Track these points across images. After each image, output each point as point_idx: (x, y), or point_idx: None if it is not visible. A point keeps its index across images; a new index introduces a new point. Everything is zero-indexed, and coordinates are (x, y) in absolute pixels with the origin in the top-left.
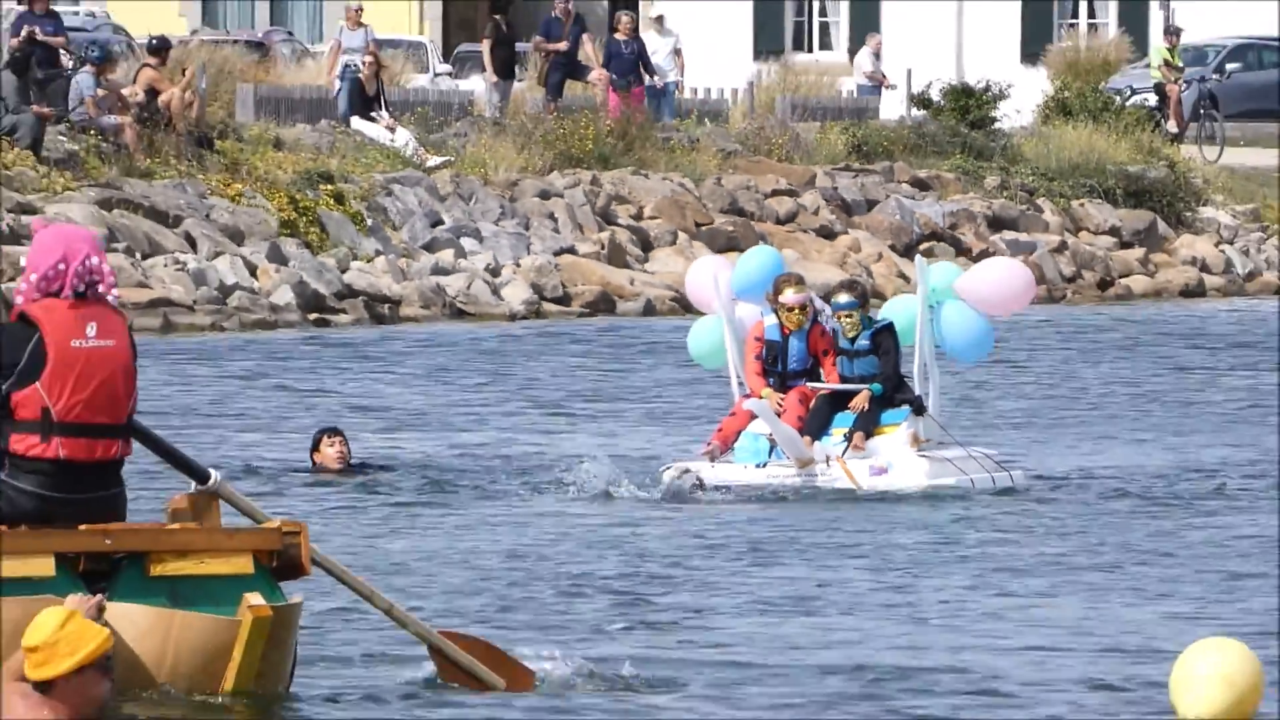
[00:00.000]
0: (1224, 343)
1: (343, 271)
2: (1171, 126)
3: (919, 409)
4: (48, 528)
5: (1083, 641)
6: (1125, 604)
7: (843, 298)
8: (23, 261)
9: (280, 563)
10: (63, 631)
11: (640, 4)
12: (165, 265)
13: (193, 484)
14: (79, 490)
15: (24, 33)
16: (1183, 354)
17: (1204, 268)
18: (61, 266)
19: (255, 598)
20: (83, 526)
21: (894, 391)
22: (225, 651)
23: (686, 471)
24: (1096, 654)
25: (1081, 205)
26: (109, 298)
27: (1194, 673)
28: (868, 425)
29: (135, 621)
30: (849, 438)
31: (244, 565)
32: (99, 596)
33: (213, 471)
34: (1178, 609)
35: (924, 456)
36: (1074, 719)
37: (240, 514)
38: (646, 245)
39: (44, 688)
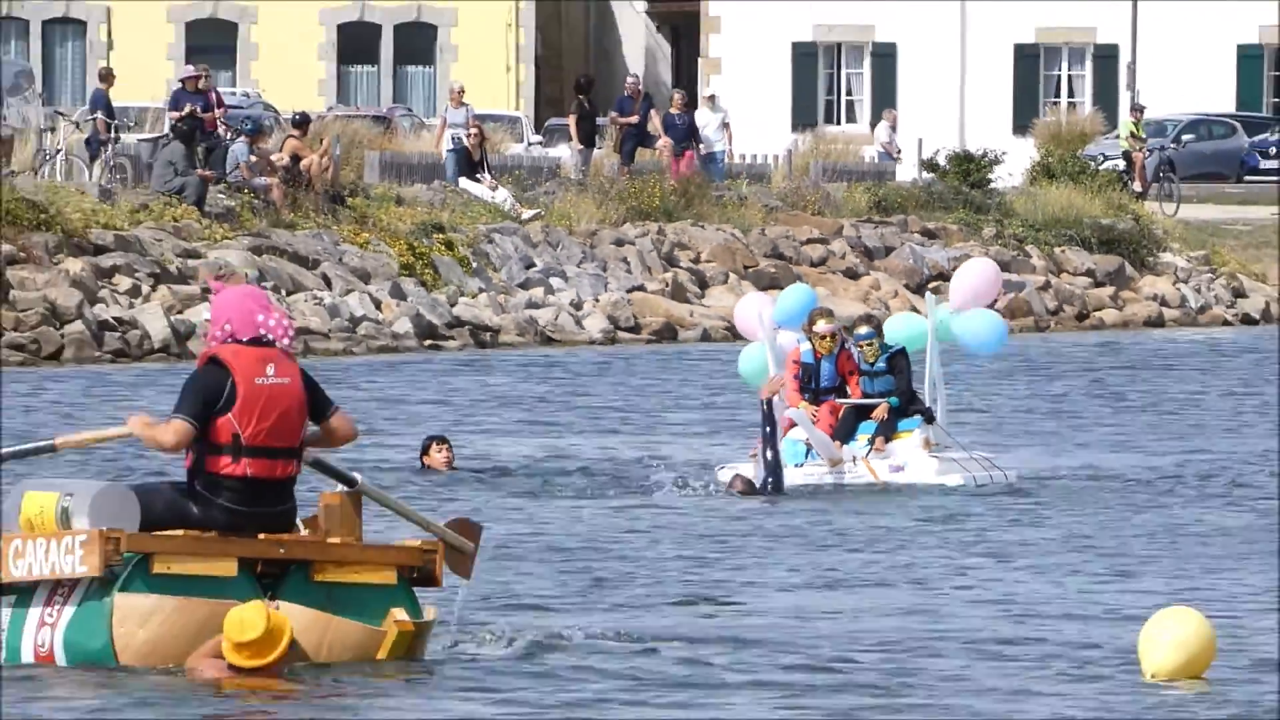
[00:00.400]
0: (1183, 364)
1: (452, 305)
2: (1137, 187)
3: (929, 418)
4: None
5: (1062, 609)
6: (1099, 580)
7: (863, 329)
8: (187, 292)
9: (419, 575)
10: (268, 629)
11: (699, 84)
12: (305, 300)
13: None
14: (262, 504)
15: (185, 109)
16: (1148, 374)
17: (1163, 303)
18: (239, 322)
19: (401, 613)
20: (261, 535)
21: (908, 404)
22: (369, 655)
23: (737, 475)
24: (1075, 620)
25: (1062, 251)
26: (282, 344)
27: (1157, 637)
28: (887, 431)
29: (298, 620)
30: (871, 442)
31: (389, 577)
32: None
33: (357, 475)
34: (1146, 585)
35: (934, 457)
36: (1057, 673)
37: (385, 508)
38: (703, 284)
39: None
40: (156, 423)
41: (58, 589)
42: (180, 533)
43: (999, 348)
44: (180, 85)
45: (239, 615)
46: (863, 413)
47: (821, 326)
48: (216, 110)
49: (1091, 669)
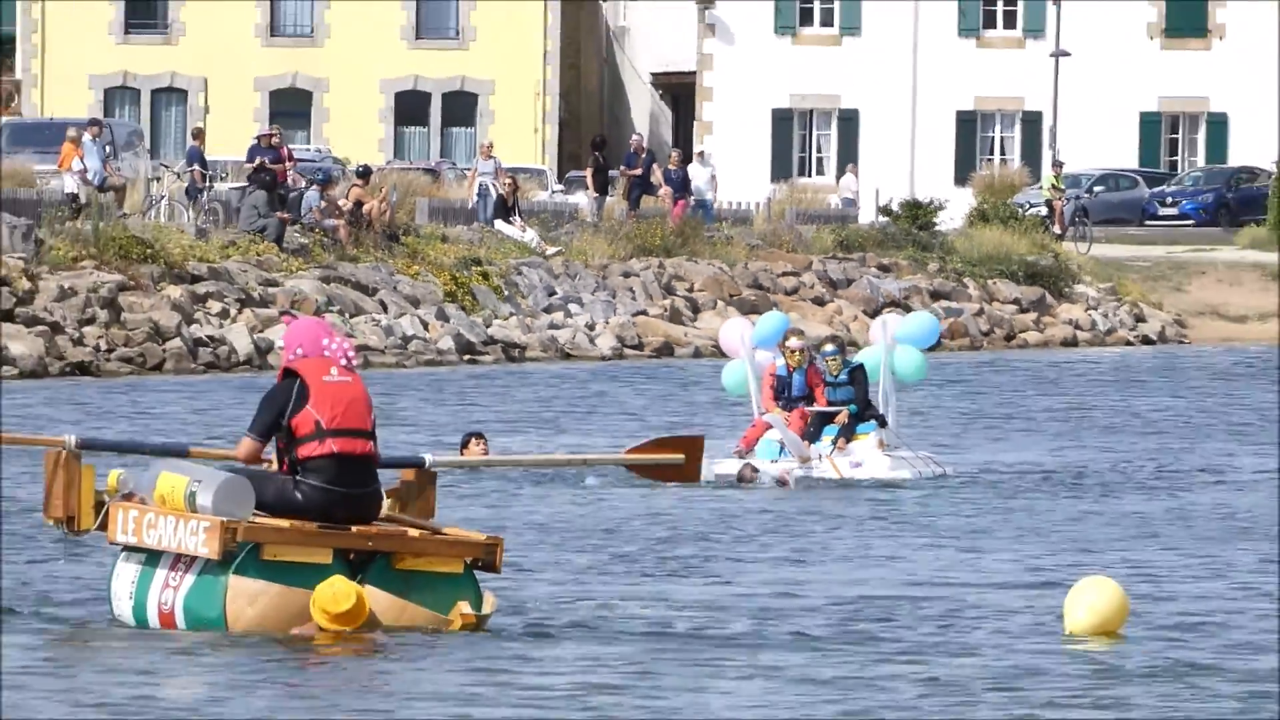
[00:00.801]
0: (1097, 378)
1: (487, 326)
2: (1056, 229)
3: (882, 423)
4: (329, 522)
5: (999, 579)
6: (1030, 555)
7: (828, 347)
8: (267, 315)
9: (482, 564)
10: (355, 604)
11: (694, 142)
12: (365, 322)
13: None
14: (351, 483)
15: (256, 161)
16: (1066, 384)
17: (1077, 326)
18: (308, 347)
19: (465, 605)
20: (354, 528)
21: (864, 411)
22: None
23: (746, 464)
24: (1008, 588)
25: (994, 283)
26: (341, 363)
27: (1079, 599)
28: (847, 434)
29: (379, 603)
30: (834, 443)
31: (457, 566)
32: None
33: (426, 456)
34: (1071, 558)
35: (887, 456)
36: (992, 630)
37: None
38: (696, 309)
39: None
40: (241, 446)
41: (181, 558)
42: (286, 524)
43: (931, 343)
44: (255, 142)
45: (331, 588)
46: (827, 418)
47: (793, 343)
48: (287, 163)
49: (1019, 626)
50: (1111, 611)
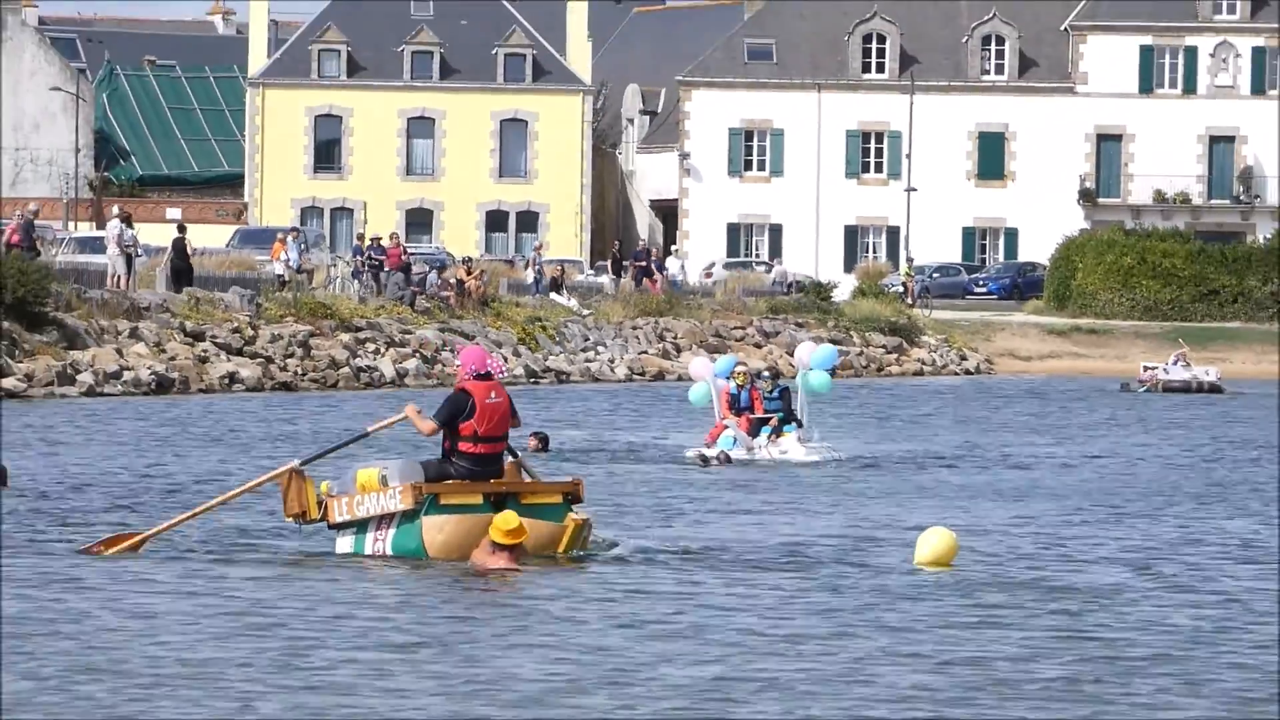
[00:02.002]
0: (937, 396)
1: (545, 360)
2: (909, 301)
3: (800, 425)
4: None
5: (870, 530)
6: (896, 507)
7: (765, 374)
8: (404, 353)
9: (571, 497)
10: (518, 522)
11: (679, 243)
12: None
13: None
14: (486, 469)
15: (364, 254)
16: (918, 400)
17: (923, 363)
18: (477, 365)
19: (574, 514)
20: (491, 480)
21: (789, 417)
22: (558, 541)
23: (701, 454)
24: (879, 535)
25: (869, 335)
26: (498, 376)
27: (924, 540)
28: (777, 432)
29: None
30: (769, 438)
31: (557, 499)
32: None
33: (518, 454)
34: (927, 515)
35: (803, 446)
36: (859, 565)
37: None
38: (678, 350)
39: (506, 549)
40: (424, 417)
41: (380, 522)
42: (450, 481)
43: (834, 362)
44: (369, 242)
45: (504, 517)
46: (764, 421)
47: (739, 371)
48: (396, 251)
49: (881, 562)
50: (946, 550)
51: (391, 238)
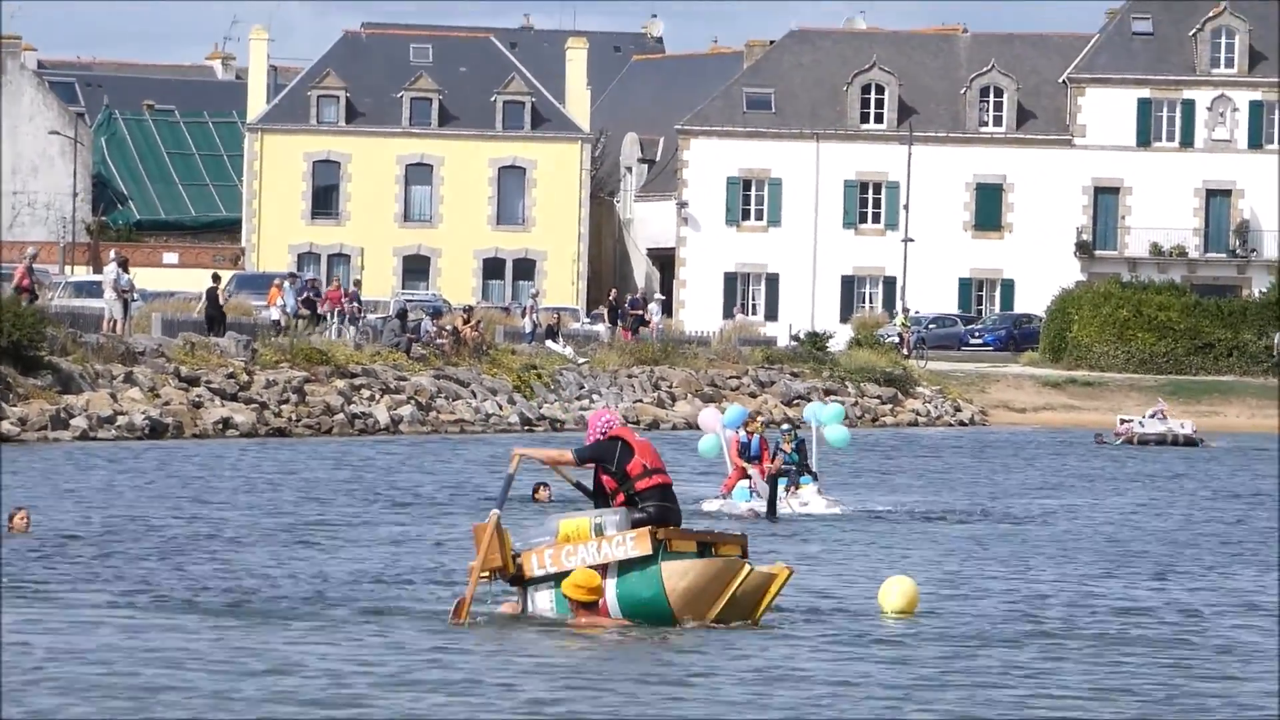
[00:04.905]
0: (932, 446)
1: (540, 408)
2: (905, 352)
3: (815, 477)
4: (664, 526)
5: (852, 578)
6: (876, 560)
7: (785, 426)
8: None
9: (744, 549)
10: (599, 581)
11: (675, 293)
12: (462, 404)
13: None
14: (668, 501)
15: (303, 292)
16: (913, 450)
17: (918, 414)
18: (610, 422)
19: (780, 565)
20: (697, 529)
21: (806, 470)
22: (767, 588)
23: (753, 510)
24: (854, 576)
25: (864, 385)
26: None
27: (887, 589)
28: (794, 484)
29: (717, 564)
30: (787, 490)
31: (739, 550)
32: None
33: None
34: (893, 565)
35: (821, 498)
36: (833, 610)
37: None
38: (673, 399)
39: (586, 606)
40: (563, 453)
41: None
42: (673, 528)
43: (842, 417)
44: (306, 280)
45: (584, 574)
46: (782, 474)
47: (749, 422)
48: (335, 294)
49: (848, 610)
50: (908, 599)
51: (333, 281)
